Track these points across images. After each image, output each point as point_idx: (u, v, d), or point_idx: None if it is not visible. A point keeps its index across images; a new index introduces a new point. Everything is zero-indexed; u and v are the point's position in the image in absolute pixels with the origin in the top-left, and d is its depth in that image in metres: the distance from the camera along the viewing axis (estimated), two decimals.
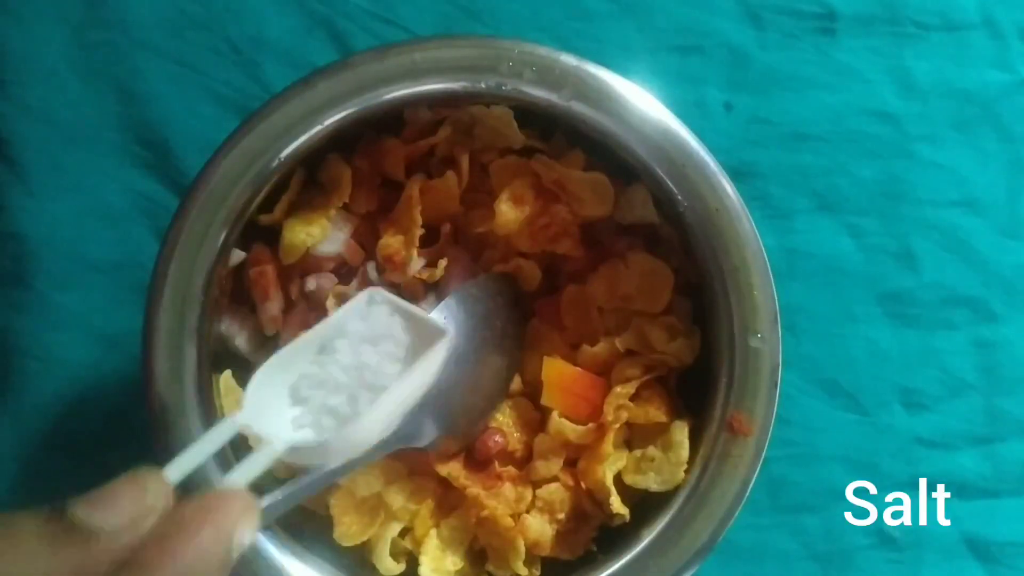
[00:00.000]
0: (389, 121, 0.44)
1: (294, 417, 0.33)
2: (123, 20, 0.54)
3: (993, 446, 0.54)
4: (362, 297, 0.37)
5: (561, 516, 0.43)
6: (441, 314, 0.44)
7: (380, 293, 0.37)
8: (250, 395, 0.32)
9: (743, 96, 0.55)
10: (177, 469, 0.28)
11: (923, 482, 0.53)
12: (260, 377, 0.33)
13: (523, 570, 0.42)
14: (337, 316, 0.36)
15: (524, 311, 0.46)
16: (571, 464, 0.44)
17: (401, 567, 0.43)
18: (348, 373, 0.34)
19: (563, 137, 0.45)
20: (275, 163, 0.40)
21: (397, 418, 0.34)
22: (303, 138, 0.40)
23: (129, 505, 0.24)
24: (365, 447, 0.33)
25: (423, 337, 0.35)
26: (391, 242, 0.43)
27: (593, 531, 0.44)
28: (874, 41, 0.55)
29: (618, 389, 0.43)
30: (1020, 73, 0.56)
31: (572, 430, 0.43)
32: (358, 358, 0.34)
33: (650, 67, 0.54)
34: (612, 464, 0.43)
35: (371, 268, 0.45)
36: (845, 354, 0.54)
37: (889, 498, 0.53)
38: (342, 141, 0.43)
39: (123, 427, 0.50)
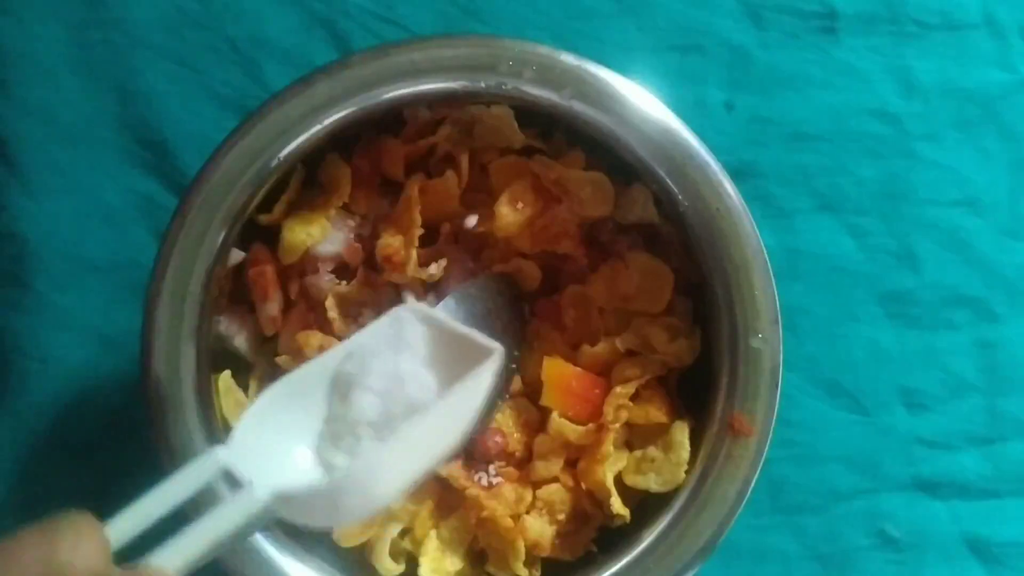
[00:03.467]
0: (389, 121, 0.44)
1: (294, 462, 0.26)
2: (122, 19, 0.53)
3: (994, 446, 0.53)
4: (388, 317, 0.30)
5: (561, 517, 0.43)
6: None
7: (411, 310, 0.30)
8: (242, 429, 0.25)
9: (744, 95, 0.55)
10: (127, 522, 0.22)
11: (924, 482, 0.53)
12: (258, 408, 0.26)
13: (523, 571, 0.42)
14: (356, 338, 0.29)
15: (524, 311, 0.46)
16: (571, 464, 0.44)
17: (401, 568, 0.43)
18: (371, 408, 0.27)
19: (563, 137, 0.45)
20: (274, 163, 0.40)
21: (432, 461, 0.26)
22: (302, 138, 0.40)
23: (32, 563, 0.20)
24: (383, 499, 0.24)
25: (466, 358, 0.28)
26: (391, 242, 0.43)
27: (593, 532, 0.44)
28: (875, 40, 0.55)
29: (618, 389, 0.43)
30: (1021, 72, 0.56)
31: (572, 430, 0.43)
32: (384, 388, 0.27)
33: (651, 66, 0.54)
34: (612, 465, 0.43)
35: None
36: (846, 354, 0.54)
37: (890, 498, 0.53)
38: (342, 141, 0.43)
39: (122, 427, 0.50)
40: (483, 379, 0.28)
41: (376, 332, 0.29)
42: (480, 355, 0.28)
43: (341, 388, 0.28)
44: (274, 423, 0.26)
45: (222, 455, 0.24)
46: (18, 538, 0.20)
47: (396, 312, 0.30)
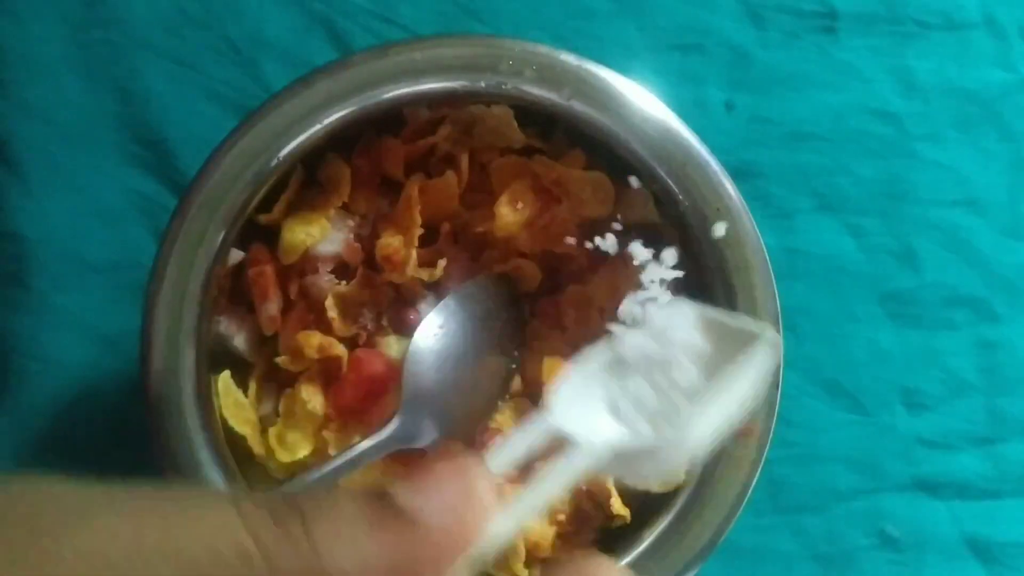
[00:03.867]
0: (389, 121, 0.43)
1: (607, 424, 0.29)
2: (122, 19, 0.53)
3: (995, 446, 0.53)
4: (668, 306, 0.33)
5: (561, 517, 0.43)
6: (440, 314, 0.43)
7: (686, 302, 0.33)
8: (560, 394, 0.29)
9: (744, 95, 0.55)
10: (498, 460, 0.25)
11: (924, 482, 0.53)
12: (571, 382, 0.30)
13: (523, 572, 0.42)
14: (646, 328, 0.32)
15: (524, 311, 0.46)
16: None
17: None
18: (661, 385, 0.30)
19: (563, 137, 0.45)
20: (274, 162, 0.40)
21: (722, 433, 0.29)
22: (302, 137, 0.40)
23: (452, 493, 0.22)
24: (688, 461, 0.28)
25: (733, 344, 0.31)
26: (390, 242, 0.43)
27: (594, 532, 0.43)
28: (875, 40, 0.55)
29: None
30: (1021, 72, 0.56)
31: None
32: (673, 371, 0.30)
33: (651, 66, 0.54)
34: None
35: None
36: (846, 354, 0.54)
37: (890, 499, 0.53)
38: (341, 140, 0.43)
39: (121, 427, 0.50)
40: (762, 363, 0.29)
41: (654, 318, 0.32)
42: (749, 339, 0.30)
43: (644, 360, 0.31)
44: (585, 394, 0.30)
45: (550, 419, 0.27)
46: (435, 466, 0.23)
47: (668, 305, 0.33)
